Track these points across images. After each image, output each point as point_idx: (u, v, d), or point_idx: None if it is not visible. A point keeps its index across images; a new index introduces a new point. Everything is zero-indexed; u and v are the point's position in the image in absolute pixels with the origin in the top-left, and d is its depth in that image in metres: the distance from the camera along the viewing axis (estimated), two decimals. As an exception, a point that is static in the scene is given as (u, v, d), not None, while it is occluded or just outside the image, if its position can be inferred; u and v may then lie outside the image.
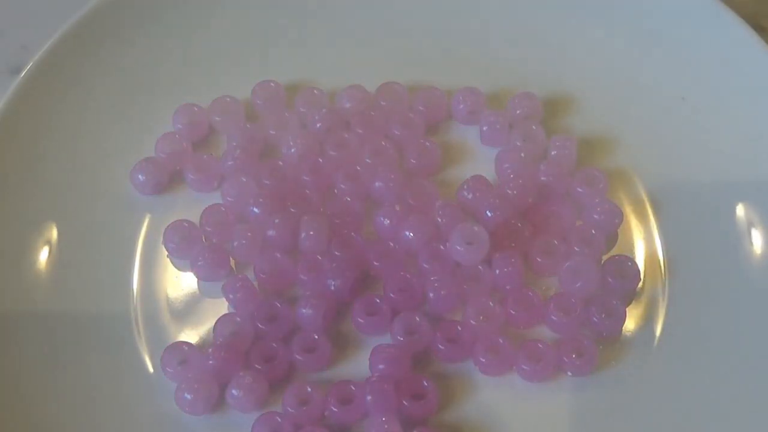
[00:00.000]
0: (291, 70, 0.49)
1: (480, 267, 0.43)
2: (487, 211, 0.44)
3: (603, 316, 0.42)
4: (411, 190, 0.45)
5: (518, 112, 0.47)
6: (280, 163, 0.46)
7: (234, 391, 0.40)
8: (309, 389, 0.40)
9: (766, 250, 0.43)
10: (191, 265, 0.44)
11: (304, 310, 0.42)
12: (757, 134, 0.45)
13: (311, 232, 0.43)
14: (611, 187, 0.45)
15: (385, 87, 0.47)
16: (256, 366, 0.41)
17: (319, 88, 0.48)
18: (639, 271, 0.43)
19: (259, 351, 0.41)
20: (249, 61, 0.49)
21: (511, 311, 0.42)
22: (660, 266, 0.44)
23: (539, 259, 0.43)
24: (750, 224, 0.44)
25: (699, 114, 0.47)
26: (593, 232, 0.44)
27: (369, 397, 0.40)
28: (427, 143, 0.46)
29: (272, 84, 0.48)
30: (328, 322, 0.42)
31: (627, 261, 0.43)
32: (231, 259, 0.44)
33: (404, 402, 0.40)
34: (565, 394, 0.41)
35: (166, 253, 0.44)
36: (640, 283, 0.43)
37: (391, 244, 0.43)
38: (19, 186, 0.44)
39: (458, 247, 0.43)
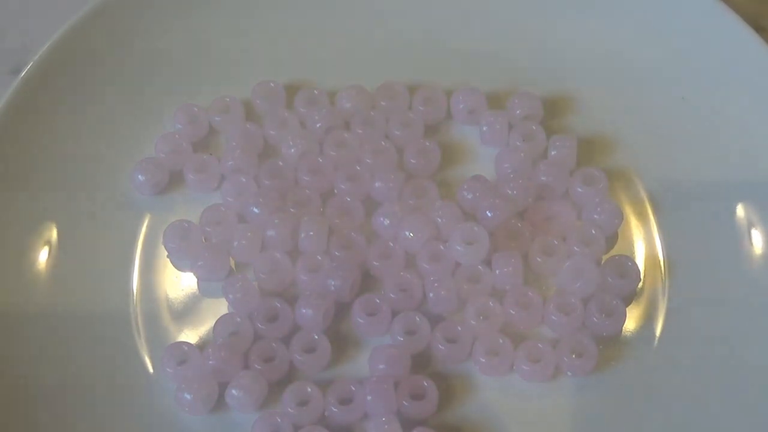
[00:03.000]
0: (291, 70, 0.48)
1: (480, 267, 0.43)
2: (487, 211, 0.44)
3: (603, 316, 0.42)
4: (411, 190, 0.45)
5: (518, 112, 0.47)
6: (280, 163, 0.46)
7: (234, 391, 0.40)
8: (309, 389, 0.40)
9: (766, 250, 0.43)
10: (191, 265, 0.44)
11: (304, 310, 0.42)
12: (757, 134, 0.45)
13: (311, 232, 0.43)
14: (611, 187, 0.45)
15: (385, 87, 0.47)
16: (256, 366, 0.41)
17: (319, 88, 0.48)
18: (639, 271, 0.43)
19: (259, 351, 0.41)
20: (249, 61, 0.49)
21: (511, 311, 0.42)
22: (660, 266, 0.44)
23: (539, 259, 0.43)
24: (750, 224, 0.44)
25: (699, 114, 0.47)
26: (593, 232, 0.44)
27: (369, 397, 0.40)
28: (427, 143, 0.46)
29: (272, 84, 0.48)
30: (328, 322, 0.42)
31: (627, 261, 0.43)
32: (231, 259, 0.44)
33: (404, 402, 0.40)
34: (565, 394, 0.41)
35: (166, 253, 0.44)
36: (640, 283, 0.43)
37: (391, 244, 0.43)
38: (19, 186, 0.44)
39: (458, 247, 0.43)
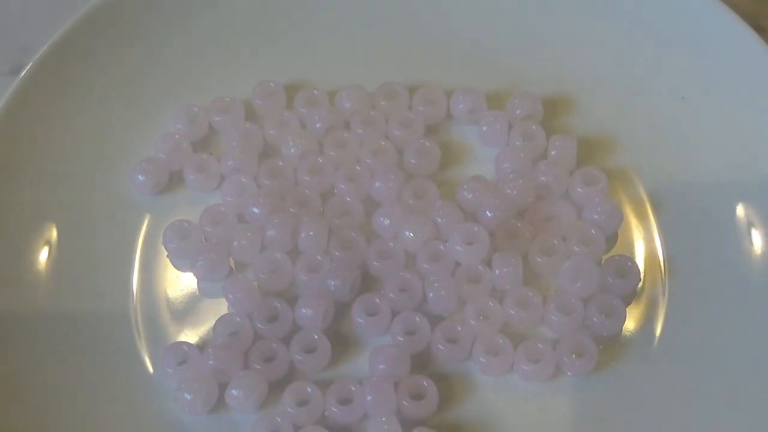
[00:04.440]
0: (291, 70, 0.48)
1: (480, 267, 0.43)
2: (487, 211, 0.44)
3: (603, 316, 0.42)
4: (411, 190, 0.45)
5: (518, 112, 0.47)
6: (280, 163, 0.46)
7: (234, 391, 0.40)
8: (309, 389, 0.40)
9: (766, 250, 0.43)
10: (191, 265, 0.44)
11: (304, 310, 0.42)
12: (757, 134, 0.45)
13: (311, 232, 0.43)
14: (611, 187, 0.45)
15: (385, 87, 0.47)
16: (256, 366, 0.41)
17: (319, 88, 0.48)
18: (639, 271, 0.43)
19: (259, 351, 0.41)
20: (249, 61, 0.49)
21: (511, 311, 0.42)
22: (660, 266, 0.44)
23: (539, 259, 0.43)
24: (750, 224, 0.44)
25: (699, 114, 0.47)
26: (593, 232, 0.44)
27: (369, 397, 0.40)
28: (427, 143, 0.46)
29: (272, 84, 0.48)
30: (328, 322, 0.42)
31: (627, 261, 0.43)
32: (231, 259, 0.44)
33: (404, 402, 0.40)
34: (565, 394, 0.41)
35: (166, 253, 0.44)
36: (640, 283, 0.43)
37: (391, 244, 0.43)
38: (19, 186, 0.44)
39: (458, 247, 0.43)
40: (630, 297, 0.43)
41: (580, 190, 0.45)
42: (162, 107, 0.47)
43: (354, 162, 0.46)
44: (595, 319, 0.42)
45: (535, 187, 0.44)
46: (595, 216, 0.44)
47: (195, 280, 0.44)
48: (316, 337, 0.41)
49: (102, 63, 0.47)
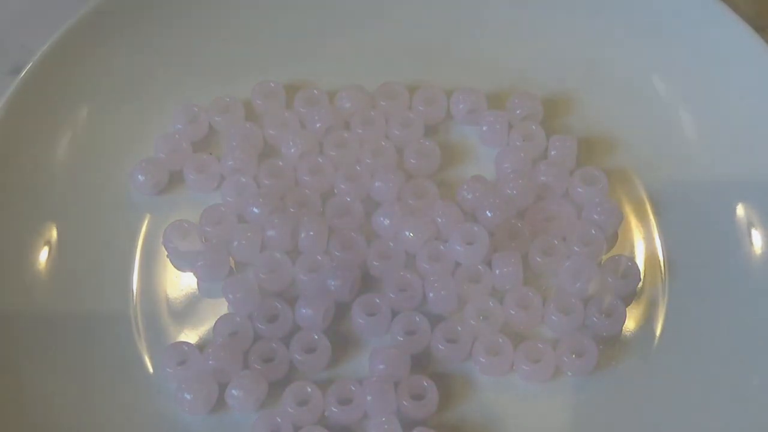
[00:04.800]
0: (291, 70, 0.48)
1: (480, 267, 0.43)
2: (487, 211, 0.44)
3: (603, 316, 0.42)
4: (411, 190, 0.45)
5: (518, 112, 0.47)
6: (280, 163, 0.46)
7: (234, 391, 0.40)
8: (309, 389, 0.40)
9: (766, 250, 0.43)
10: (191, 265, 0.44)
11: (304, 310, 0.42)
12: (757, 134, 0.45)
13: (311, 232, 0.43)
14: (611, 187, 0.45)
15: (385, 87, 0.47)
16: (256, 366, 0.41)
17: (319, 88, 0.47)
18: (639, 271, 0.43)
19: (259, 351, 0.41)
20: (249, 61, 0.49)
21: (511, 311, 0.42)
22: (660, 266, 0.44)
23: (539, 259, 0.43)
24: (750, 224, 0.44)
25: (699, 114, 0.47)
26: (593, 232, 0.44)
27: (369, 397, 0.40)
28: (427, 143, 0.46)
29: (272, 84, 0.48)
30: (328, 322, 0.42)
31: (627, 261, 0.43)
32: (231, 259, 0.44)
33: (404, 402, 0.40)
34: (565, 394, 0.41)
35: (166, 253, 0.44)
36: (640, 283, 0.43)
37: (391, 244, 0.43)
38: (19, 186, 0.44)
39: (458, 247, 0.43)
40: (630, 297, 0.43)
41: (580, 190, 0.45)
42: (162, 107, 0.47)
43: (354, 162, 0.46)
44: (595, 319, 0.42)
45: (535, 187, 0.45)
46: (595, 216, 0.44)
47: (195, 280, 0.44)
48: (316, 337, 0.41)
49: (102, 63, 0.47)
